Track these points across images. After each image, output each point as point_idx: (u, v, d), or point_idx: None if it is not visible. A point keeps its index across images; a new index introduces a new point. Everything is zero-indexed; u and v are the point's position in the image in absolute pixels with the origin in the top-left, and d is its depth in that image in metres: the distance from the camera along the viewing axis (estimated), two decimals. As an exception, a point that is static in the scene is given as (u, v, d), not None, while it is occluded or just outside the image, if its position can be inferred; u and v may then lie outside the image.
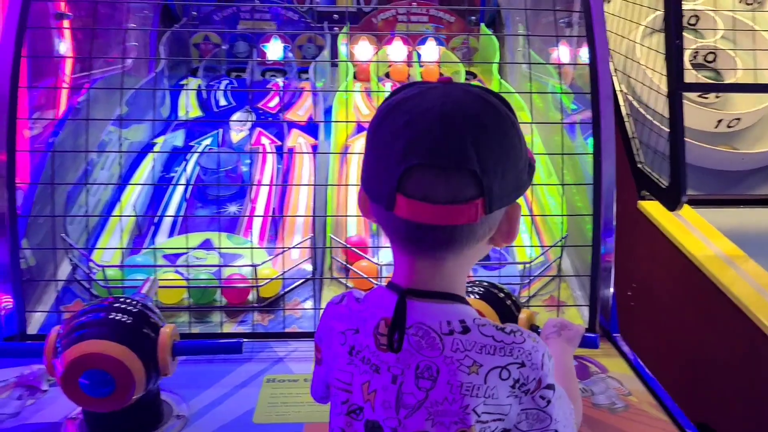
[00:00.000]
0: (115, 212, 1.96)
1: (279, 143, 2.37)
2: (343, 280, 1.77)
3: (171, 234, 1.96)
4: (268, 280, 1.68)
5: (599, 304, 1.58)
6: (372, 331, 0.82)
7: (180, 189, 2.10)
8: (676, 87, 2.17)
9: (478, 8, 2.81)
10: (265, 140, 2.38)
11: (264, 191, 2.12)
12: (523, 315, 1.25)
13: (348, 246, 1.77)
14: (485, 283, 1.30)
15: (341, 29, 2.77)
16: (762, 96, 2.69)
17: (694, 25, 2.82)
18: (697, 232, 2.24)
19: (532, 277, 1.72)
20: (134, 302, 1.22)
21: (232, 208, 2.06)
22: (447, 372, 0.79)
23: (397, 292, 0.82)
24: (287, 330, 1.60)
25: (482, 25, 2.78)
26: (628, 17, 2.63)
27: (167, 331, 1.17)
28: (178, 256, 1.84)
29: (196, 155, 2.24)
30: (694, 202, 2.31)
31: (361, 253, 1.76)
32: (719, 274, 1.98)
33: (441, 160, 0.75)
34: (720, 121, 2.68)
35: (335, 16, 2.86)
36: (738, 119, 2.67)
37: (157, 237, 1.94)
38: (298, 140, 2.37)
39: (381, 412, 0.81)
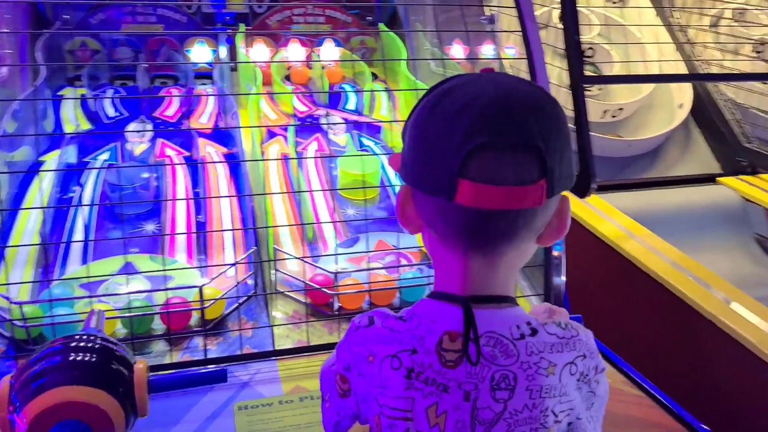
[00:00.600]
0: (11, 242, 1.73)
1: (187, 153, 2.21)
2: (291, 294, 1.67)
3: (84, 260, 1.75)
4: (213, 301, 1.54)
5: (553, 293, 1.61)
6: (434, 349, 0.76)
7: (85, 210, 1.89)
8: (579, 80, 2.28)
9: (386, 4, 2.79)
10: (170, 152, 2.21)
11: (181, 206, 1.96)
12: (139, 366, 1.07)
13: (294, 257, 1.67)
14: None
15: (235, 31, 2.64)
16: (639, 87, 2.91)
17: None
18: (602, 214, 2.38)
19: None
20: (91, 338, 1.07)
21: (149, 227, 1.89)
22: (525, 378, 0.75)
23: (457, 302, 0.77)
24: (245, 351, 1.48)
25: (381, 24, 2.76)
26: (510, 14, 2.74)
27: (142, 367, 1.03)
28: (97, 284, 1.65)
29: (95, 172, 2.03)
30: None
31: (319, 266, 1.67)
32: (626, 247, 2.14)
33: (506, 137, 0.71)
34: (606, 111, 2.86)
35: (227, 18, 2.72)
36: (621, 109, 2.87)
37: (68, 266, 1.73)
38: (206, 149, 2.22)
39: None
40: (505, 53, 2.53)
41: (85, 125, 2.31)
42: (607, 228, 2.29)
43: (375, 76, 2.74)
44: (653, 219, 2.36)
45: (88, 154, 2.15)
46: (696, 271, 2.03)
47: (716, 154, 2.85)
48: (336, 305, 1.67)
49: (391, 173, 2.18)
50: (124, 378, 1.01)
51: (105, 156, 2.16)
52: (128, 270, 1.69)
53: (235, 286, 1.59)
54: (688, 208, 2.60)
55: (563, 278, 1.63)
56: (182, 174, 2.11)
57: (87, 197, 1.95)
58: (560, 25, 2.39)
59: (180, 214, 1.93)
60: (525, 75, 2.12)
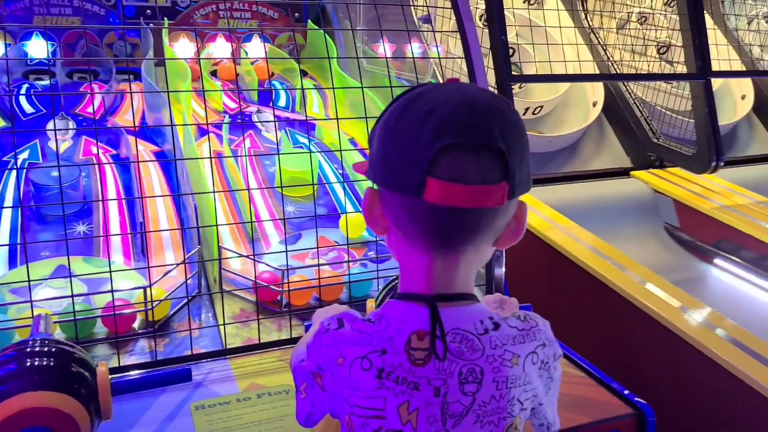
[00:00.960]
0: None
1: (114, 152, 2.13)
2: (237, 292, 1.65)
3: (12, 264, 1.67)
4: (159, 301, 1.51)
5: (494, 284, 1.68)
6: (403, 348, 0.78)
7: (7, 212, 1.79)
8: (505, 79, 2.38)
9: (315, 2, 2.78)
10: (96, 150, 2.12)
11: (114, 206, 1.89)
12: (101, 369, 1.06)
13: (244, 255, 1.65)
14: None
15: (157, 25, 2.57)
16: (556, 85, 3.04)
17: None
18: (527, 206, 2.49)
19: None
20: (45, 342, 1.03)
21: (80, 228, 1.81)
22: (491, 370, 0.79)
23: (423, 301, 0.80)
24: (189, 353, 1.45)
25: (309, 21, 2.76)
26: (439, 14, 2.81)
27: (104, 369, 1.00)
28: (27, 288, 1.57)
29: (14, 172, 1.92)
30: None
31: (267, 264, 1.66)
32: (551, 236, 2.26)
33: (472, 138, 0.75)
34: (527, 108, 2.98)
35: (148, 11, 2.64)
36: (541, 106, 3.00)
37: (-5, 269, 1.64)
38: (135, 147, 2.15)
39: (426, 428, 0.78)
40: (432, 52, 2.59)
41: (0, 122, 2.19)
42: (533, 219, 2.39)
43: (305, 73, 2.74)
44: (574, 210, 2.49)
45: (7, 153, 2.03)
46: (614, 256, 2.17)
47: (627, 150, 3.03)
48: (284, 302, 1.66)
49: (329, 171, 2.19)
50: (87, 381, 0.98)
51: (25, 155, 2.06)
52: (62, 273, 1.62)
53: (183, 284, 1.56)
54: (604, 200, 2.76)
55: (503, 269, 1.69)
56: (111, 173, 2.04)
57: (9, 198, 1.85)
58: (481, 25, 2.49)
59: (113, 214, 1.87)
60: (460, 74, 2.19)
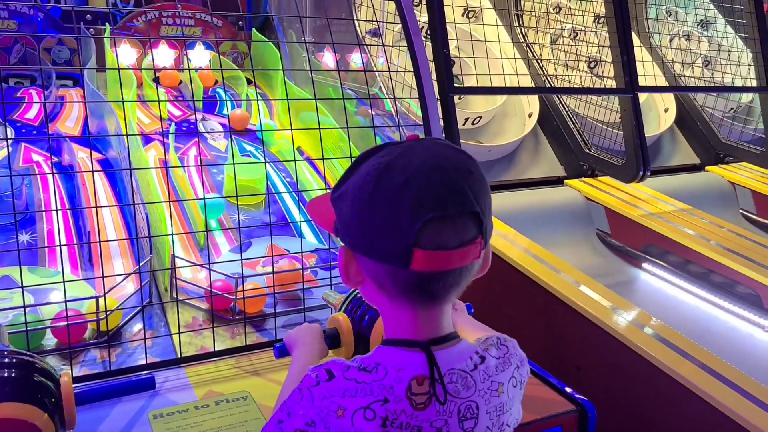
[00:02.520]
0: None
1: (56, 159, 2.09)
2: (189, 301, 1.66)
3: (-48, 275, 1.62)
4: (111, 311, 1.50)
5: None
6: (404, 395, 0.82)
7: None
8: (448, 90, 2.46)
9: (258, 15, 2.79)
10: (37, 157, 2.08)
11: (58, 214, 1.86)
12: (64, 379, 1.04)
13: (198, 263, 1.66)
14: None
15: (97, 31, 2.53)
16: (494, 97, 3.16)
17: (428, 36, 3.17)
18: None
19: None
20: (4, 353, 1.02)
21: (24, 237, 1.77)
22: (484, 403, 0.85)
23: (417, 347, 0.84)
24: (142, 362, 1.45)
25: (254, 30, 2.77)
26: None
27: (68, 379, 1.00)
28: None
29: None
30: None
31: (221, 272, 1.67)
32: (493, 242, 2.34)
33: (451, 209, 0.80)
34: (467, 119, 3.08)
35: (88, 16, 2.59)
36: (479, 117, 3.11)
37: (-66, 280, 1.59)
38: (79, 155, 2.12)
39: None
40: (377, 63, 2.65)
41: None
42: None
43: (249, 81, 2.75)
44: (511, 217, 2.60)
45: (-59, 160, 1.97)
46: (550, 260, 2.28)
47: (561, 159, 3.17)
48: (236, 310, 1.68)
49: (277, 179, 2.21)
50: (51, 391, 0.98)
51: (-39, 162, 1.99)
52: (7, 283, 1.59)
53: (135, 293, 1.55)
54: (540, 207, 2.88)
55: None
56: (52, 181, 1.99)
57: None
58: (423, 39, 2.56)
59: (58, 222, 1.83)
60: (404, 85, 2.24)
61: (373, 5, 2.36)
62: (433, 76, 2.50)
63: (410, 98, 1.97)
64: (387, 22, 1.97)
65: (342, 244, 0.86)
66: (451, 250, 0.80)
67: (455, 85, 3.09)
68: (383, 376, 0.82)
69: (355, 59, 2.69)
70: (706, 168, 3.43)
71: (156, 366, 1.44)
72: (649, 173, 2.82)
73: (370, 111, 2.02)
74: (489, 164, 3.06)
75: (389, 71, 1.87)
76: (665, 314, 2.44)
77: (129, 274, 1.56)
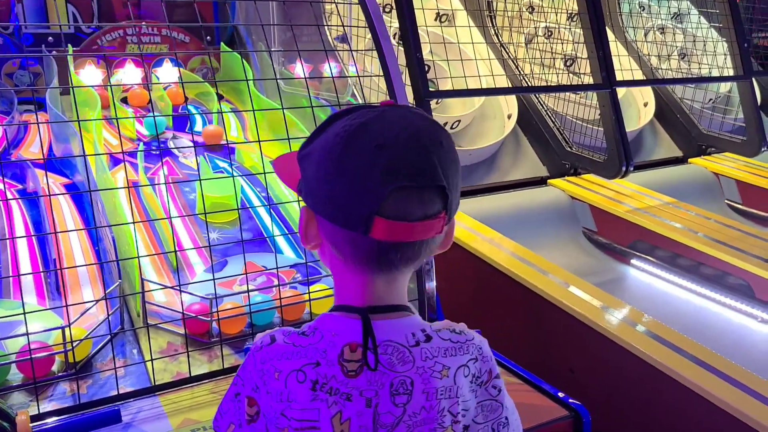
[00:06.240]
0: None
1: (20, 186, 2.02)
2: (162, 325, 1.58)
3: None
4: (80, 341, 1.42)
5: (426, 298, 1.68)
6: (336, 360, 0.80)
7: None
8: (424, 95, 2.41)
9: (226, 24, 2.73)
10: None
11: (23, 243, 1.78)
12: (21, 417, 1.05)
13: (168, 286, 1.58)
14: None
15: (60, 52, 2.46)
16: (472, 100, 3.12)
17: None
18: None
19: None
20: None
21: (-13, 268, 1.70)
22: (421, 381, 0.80)
23: (356, 313, 0.81)
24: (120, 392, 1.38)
25: (222, 44, 2.71)
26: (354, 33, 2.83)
27: (25, 419, 0.94)
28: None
29: None
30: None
31: (195, 294, 1.60)
32: (476, 246, 2.31)
33: (421, 180, 0.77)
34: (445, 123, 3.03)
35: (50, 38, 2.53)
36: (458, 121, 3.06)
37: None
38: (44, 180, 2.04)
39: None
40: (350, 71, 2.60)
41: None
42: (458, 231, 2.42)
43: (221, 96, 2.68)
44: (496, 220, 2.55)
45: None
46: (537, 262, 2.23)
47: (543, 159, 3.13)
48: (216, 331, 1.61)
49: (252, 194, 2.14)
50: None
51: None
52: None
53: (104, 321, 1.48)
54: (525, 209, 2.83)
55: (434, 283, 1.70)
56: (18, 208, 1.92)
57: None
58: (395, 44, 2.51)
59: (23, 252, 1.76)
60: (378, 92, 2.20)
61: (339, 13, 2.32)
62: (408, 81, 2.47)
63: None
64: (357, 27, 1.92)
65: (305, 204, 0.83)
66: (414, 221, 0.77)
67: (431, 89, 3.06)
68: (318, 340, 0.81)
69: (328, 68, 2.63)
70: (689, 160, 3.40)
71: (128, 396, 1.37)
72: (632, 168, 2.79)
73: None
74: (471, 168, 3.02)
75: (358, 76, 1.81)
76: (656, 310, 2.39)
77: (96, 301, 1.49)
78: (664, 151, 3.50)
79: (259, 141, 1.68)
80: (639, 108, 3.59)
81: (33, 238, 1.80)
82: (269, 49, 2.49)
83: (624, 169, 2.77)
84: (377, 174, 0.75)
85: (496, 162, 3.10)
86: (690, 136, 3.48)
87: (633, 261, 2.62)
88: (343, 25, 1.86)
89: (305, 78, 1.87)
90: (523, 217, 2.79)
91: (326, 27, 2.53)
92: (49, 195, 1.65)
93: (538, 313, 2.10)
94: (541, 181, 3.02)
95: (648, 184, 3.01)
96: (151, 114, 2.42)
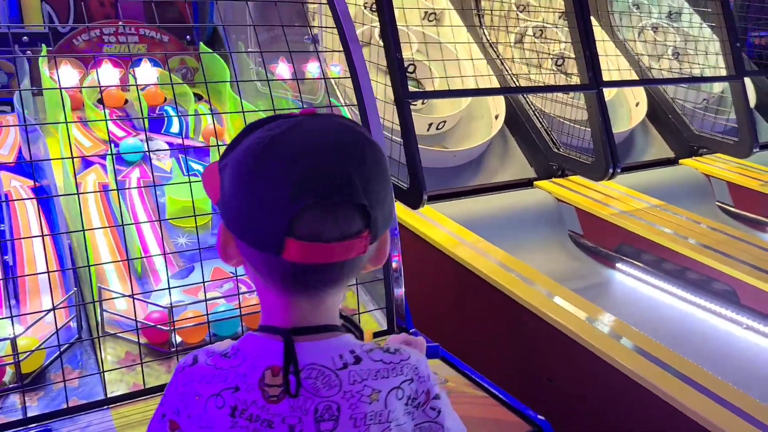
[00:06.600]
0: None
1: (-13, 189, 1.97)
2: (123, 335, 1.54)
3: None
4: (29, 353, 1.38)
5: (395, 306, 1.64)
6: (257, 385, 0.76)
7: None
8: (403, 96, 2.36)
9: (205, 25, 2.69)
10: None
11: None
12: (366, 336, 1.22)
13: (123, 294, 1.54)
14: None
15: (36, 52, 2.42)
16: (458, 100, 3.06)
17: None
18: (434, 222, 2.49)
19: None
20: None
21: (-55, 276, 1.65)
22: (348, 407, 0.76)
23: (280, 334, 0.77)
24: (71, 404, 1.34)
25: (201, 44, 2.67)
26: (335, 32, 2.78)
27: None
28: None
29: None
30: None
31: (150, 302, 1.55)
32: (457, 251, 2.27)
33: (331, 198, 0.72)
34: (431, 124, 2.99)
35: (25, 38, 2.48)
36: (444, 122, 3.01)
37: None
38: (11, 184, 2.00)
39: None
40: (331, 71, 2.55)
41: None
42: (439, 235, 2.38)
43: (200, 97, 2.64)
44: (480, 223, 2.50)
45: None
46: (521, 270, 2.18)
47: (531, 160, 3.08)
48: (177, 340, 1.57)
49: (223, 197, 2.10)
50: None
51: None
52: None
53: (55, 332, 1.43)
54: (510, 211, 2.78)
55: (403, 289, 1.65)
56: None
57: None
58: (381, 43, 2.47)
59: (-18, 257, 1.72)
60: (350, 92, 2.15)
61: (322, 12, 2.27)
62: (388, 82, 2.43)
63: (349, 105, 1.87)
64: (327, 28, 1.87)
65: None
66: (331, 242, 0.72)
67: (416, 89, 3.01)
68: (239, 362, 0.77)
69: (311, 69, 2.59)
70: (680, 161, 3.35)
71: (78, 410, 1.33)
72: (619, 170, 2.73)
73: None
74: (456, 169, 2.97)
75: (324, 78, 1.77)
76: (641, 315, 2.35)
77: (46, 312, 1.44)
78: (656, 152, 3.44)
79: (217, 145, 1.63)
80: (630, 108, 3.53)
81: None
82: (247, 50, 2.45)
83: (611, 171, 2.72)
84: (287, 191, 0.70)
85: (482, 163, 3.05)
86: (682, 136, 3.43)
87: (618, 265, 2.57)
88: (321, 27, 1.80)
89: (279, 79, 1.83)
90: (509, 219, 2.74)
91: (309, 27, 2.48)
92: (10, 200, 1.60)
93: (520, 321, 2.05)
94: (527, 183, 2.97)
95: (637, 185, 2.96)
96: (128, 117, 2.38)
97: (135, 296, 1.48)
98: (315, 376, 0.76)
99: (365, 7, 3.19)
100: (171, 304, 1.48)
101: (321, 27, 1.88)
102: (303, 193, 0.71)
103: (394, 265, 1.62)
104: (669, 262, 2.45)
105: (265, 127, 0.75)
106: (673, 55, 3.74)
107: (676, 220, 2.64)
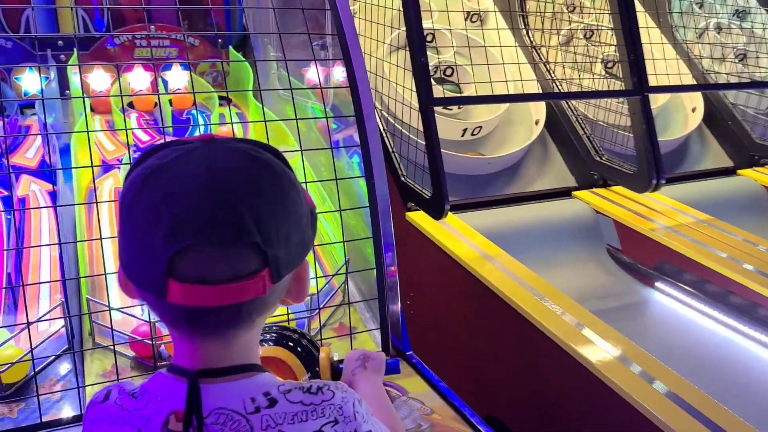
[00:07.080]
0: None
1: (5, 193, 2.02)
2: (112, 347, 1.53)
3: None
4: (9, 365, 1.38)
5: (390, 325, 1.56)
6: (160, 429, 0.70)
7: None
8: (427, 102, 2.27)
9: (225, 33, 2.68)
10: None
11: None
12: (322, 354, 1.17)
13: (112, 308, 1.53)
14: (275, 327, 1.20)
15: (69, 57, 2.46)
16: (496, 105, 2.94)
17: (430, 42, 2.98)
18: (459, 235, 2.37)
19: (319, 308, 1.64)
20: None
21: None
22: None
23: (186, 376, 0.71)
24: (47, 419, 1.33)
25: (231, 48, 2.66)
26: (372, 35, 2.71)
27: None
28: None
29: None
30: (453, 208, 2.45)
31: (135, 315, 1.54)
32: (480, 269, 2.12)
33: (215, 236, 0.65)
34: (465, 130, 2.88)
35: (60, 42, 2.53)
36: (480, 127, 2.90)
37: None
38: (31, 188, 2.04)
39: None
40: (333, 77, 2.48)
41: None
42: (463, 250, 2.27)
43: (229, 101, 2.63)
44: (511, 236, 2.38)
45: None
46: (547, 293, 1.98)
47: (571, 169, 2.93)
48: (165, 354, 1.54)
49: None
50: None
51: None
52: None
53: (40, 344, 1.43)
54: (544, 223, 2.65)
55: (399, 305, 1.57)
56: (-1, 217, 1.92)
57: None
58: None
59: (-9, 263, 1.75)
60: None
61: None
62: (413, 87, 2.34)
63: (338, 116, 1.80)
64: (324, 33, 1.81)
65: None
66: (219, 284, 0.65)
67: (453, 95, 2.91)
68: (144, 405, 0.73)
69: (337, 74, 2.54)
70: (738, 171, 3.11)
71: (53, 425, 1.32)
72: (663, 182, 2.55)
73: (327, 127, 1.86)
74: (492, 177, 2.85)
75: (320, 87, 1.71)
76: (679, 338, 2.18)
77: (27, 325, 1.43)
78: (712, 161, 3.21)
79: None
80: (687, 113, 3.31)
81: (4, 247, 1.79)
82: (273, 55, 2.42)
83: (654, 182, 2.54)
84: (162, 231, 0.64)
85: (519, 171, 2.92)
86: (741, 145, 3.19)
87: (657, 284, 2.40)
88: (307, 32, 1.72)
89: (291, 87, 1.78)
90: (542, 231, 2.60)
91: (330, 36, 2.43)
92: (18, 210, 1.62)
93: (543, 353, 1.88)
94: (566, 193, 2.82)
95: (686, 198, 2.76)
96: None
97: (122, 309, 1.46)
98: (223, 421, 0.70)
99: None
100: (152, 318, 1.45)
101: (333, 34, 1.80)
102: (179, 233, 0.64)
103: (388, 283, 1.54)
104: (711, 284, 2.26)
105: (158, 155, 0.70)
106: (737, 57, 3.48)
107: (725, 239, 2.44)
